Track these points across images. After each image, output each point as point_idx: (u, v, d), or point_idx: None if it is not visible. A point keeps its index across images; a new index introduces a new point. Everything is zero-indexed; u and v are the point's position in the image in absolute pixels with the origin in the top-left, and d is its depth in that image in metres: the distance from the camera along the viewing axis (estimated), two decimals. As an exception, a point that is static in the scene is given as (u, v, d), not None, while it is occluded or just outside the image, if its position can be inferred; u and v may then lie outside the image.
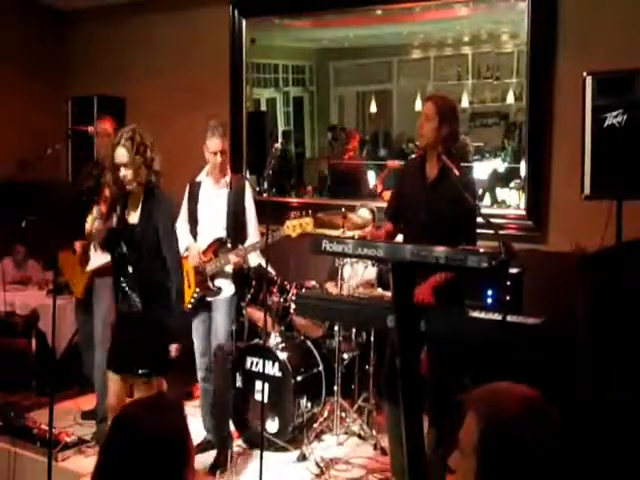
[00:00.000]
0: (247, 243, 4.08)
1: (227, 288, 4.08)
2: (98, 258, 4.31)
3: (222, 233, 4.06)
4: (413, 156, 5.40)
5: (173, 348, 3.51)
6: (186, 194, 4.20)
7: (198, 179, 4.15)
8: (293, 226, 3.94)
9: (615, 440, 3.25)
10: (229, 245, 4.03)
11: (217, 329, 4.03)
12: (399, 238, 3.67)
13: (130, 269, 3.49)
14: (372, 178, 5.86)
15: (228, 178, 4.11)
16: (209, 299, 4.09)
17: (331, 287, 4.71)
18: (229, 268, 4.06)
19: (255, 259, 4.19)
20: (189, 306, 4.10)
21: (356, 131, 5.95)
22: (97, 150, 4.70)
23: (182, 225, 4.13)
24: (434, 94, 4.02)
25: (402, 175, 3.74)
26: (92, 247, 4.36)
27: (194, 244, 4.10)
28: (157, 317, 3.43)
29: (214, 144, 4.00)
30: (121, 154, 3.41)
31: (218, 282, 4.07)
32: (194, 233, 4.14)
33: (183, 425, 1.52)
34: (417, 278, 3.12)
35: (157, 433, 1.45)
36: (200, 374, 4.18)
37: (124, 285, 3.53)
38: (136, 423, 1.48)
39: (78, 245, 4.53)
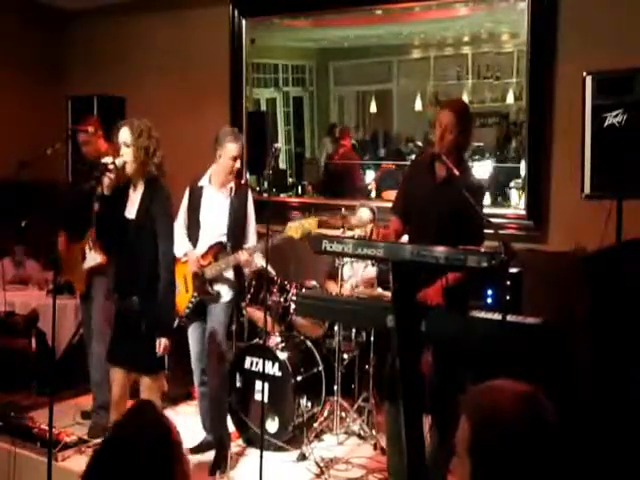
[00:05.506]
0: (248, 244, 4.08)
1: (225, 293, 4.07)
2: (93, 257, 4.43)
3: (223, 239, 4.05)
4: (413, 157, 5.45)
5: (161, 343, 3.42)
6: (186, 198, 4.16)
7: (200, 184, 4.10)
8: (295, 227, 3.90)
9: (615, 439, 3.25)
10: (229, 250, 4.02)
11: (212, 333, 4.02)
12: (404, 238, 3.64)
13: (127, 265, 3.49)
14: (369, 178, 5.88)
15: (232, 184, 4.08)
16: (207, 304, 4.07)
17: (331, 286, 4.71)
18: (229, 274, 4.06)
19: (257, 261, 4.20)
20: (187, 310, 4.09)
21: (348, 129, 5.96)
22: (86, 152, 4.66)
23: (180, 229, 4.06)
24: (450, 101, 3.95)
25: (410, 174, 3.72)
26: (87, 247, 4.47)
27: (193, 250, 4.07)
28: (154, 313, 3.43)
29: (237, 148, 3.97)
30: (124, 132, 3.44)
31: (217, 287, 4.06)
32: (195, 238, 4.10)
33: (167, 433, 1.55)
34: (426, 280, 3.13)
35: (144, 448, 1.49)
36: (196, 377, 4.18)
37: (123, 282, 3.54)
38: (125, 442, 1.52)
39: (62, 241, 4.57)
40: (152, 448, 1.50)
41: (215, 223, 4.07)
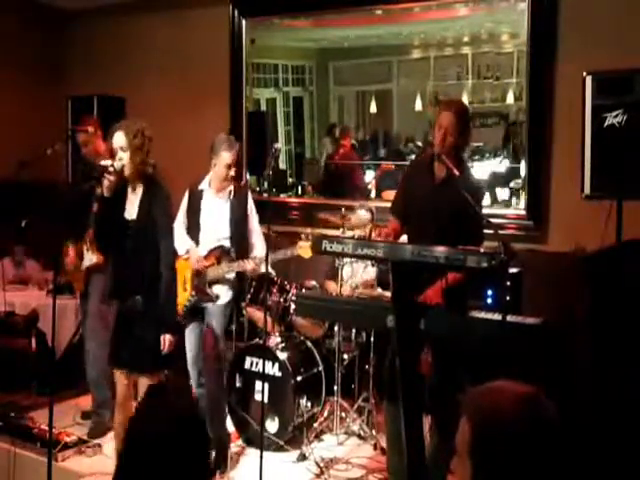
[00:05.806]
0: (256, 251, 4.10)
1: (224, 295, 4.08)
2: (90, 258, 4.50)
3: (225, 242, 4.06)
4: (413, 157, 5.45)
5: (165, 340, 3.44)
6: (186, 200, 4.17)
7: (200, 187, 4.12)
8: (306, 248, 3.92)
9: (615, 439, 3.25)
10: (233, 254, 4.03)
11: (210, 333, 4.01)
12: (403, 238, 3.64)
13: (129, 266, 3.50)
14: (369, 178, 5.88)
15: (232, 187, 4.09)
16: (204, 305, 4.08)
17: (331, 286, 4.70)
18: (229, 275, 4.06)
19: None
20: (184, 309, 4.09)
21: (348, 129, 5.96)
22: (86, 152, 4.69)
23: (179, 228, 4.08)
24: (450, 102, 3.79)
25: (409, 174, 3.72)
26: (84, 248, 4.51)
27: (195, 248, 4.09)
28: (156, 312, 3.43)
29: (231, 157, 3.99)
30: (118, 137, 3.45)
31: (216, 289, 4.06)
32: (195, 241, 4.12)
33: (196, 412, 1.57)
34: (426, 282, 3.13)
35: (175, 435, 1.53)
36: (193, 380, 4.17)
37: (123, 283, 3.54)
38: (153, 429, 1.55)
39: (72, 250, 4.61)
40: (181, 417, 1.56)
41: (215, 226, 4.08)
